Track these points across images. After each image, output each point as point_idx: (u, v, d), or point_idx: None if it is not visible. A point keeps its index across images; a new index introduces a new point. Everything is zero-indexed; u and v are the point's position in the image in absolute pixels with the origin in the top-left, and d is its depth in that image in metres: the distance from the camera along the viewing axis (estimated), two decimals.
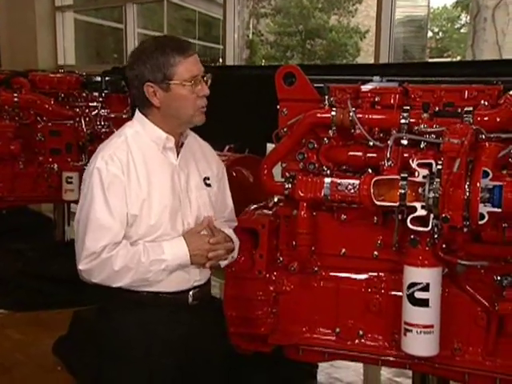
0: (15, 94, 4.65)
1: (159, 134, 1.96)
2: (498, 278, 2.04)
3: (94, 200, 1.87)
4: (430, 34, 19.97)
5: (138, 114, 2.01)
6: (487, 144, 1.92)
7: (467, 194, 1.85)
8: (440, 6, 20.22)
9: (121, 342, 1.95)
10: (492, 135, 1.96)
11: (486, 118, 1.98)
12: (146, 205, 1.90)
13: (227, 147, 3.64)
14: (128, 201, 1.88)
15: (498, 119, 1.98)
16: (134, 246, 1.89)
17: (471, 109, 2.01)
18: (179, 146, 2.02)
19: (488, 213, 1.85)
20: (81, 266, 1.88)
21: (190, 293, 1.99)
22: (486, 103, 2.04)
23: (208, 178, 2.08)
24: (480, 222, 1.86)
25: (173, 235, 1.94)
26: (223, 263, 2.06)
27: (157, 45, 1.92)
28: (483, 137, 1.94)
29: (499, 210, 1.85)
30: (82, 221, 1.89)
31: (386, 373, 3.63)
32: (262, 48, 19.68)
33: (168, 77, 1.88)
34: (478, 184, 1.84)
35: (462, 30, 18.23)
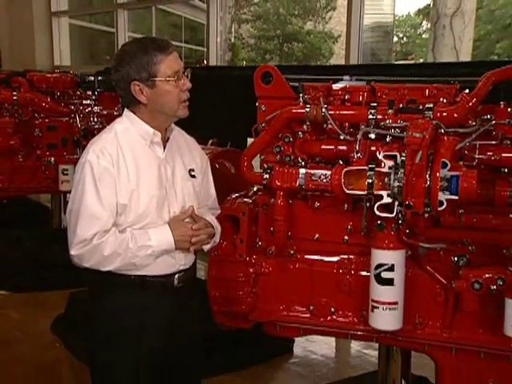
0: (14, 93, 4.63)
1: (147, 130, 1.93)
2: (455, 258, 2.06)
3: (86, 191, 1.83)
4: (395, 38, 20.12)
5: (126, 111, 1.97)
6: (446, 138, 1.92)
7: (428, 183, 1.86)
8: (404, 13, 20.37)
9: (112, 325, 1.92)
10: (450, 130, 1.96)
11: (444, 114, 1.99)
12: (135, 195, 1.87)
13: (211, 141, 3.62)
14: (117, 191, 1.84)
15: (456, 115, 1.99)
16: (122, 233, 1.86)
17: (432, 105, 2.01)
18: (165, 140, 1.99)
19: (446, 200, 1.85)
20: (73, 252, 1.85)
21: (176, 276, 1.96)
22: (445, 100, 2.04)
23: (193, 170, 2.05)
24: (439, 209, 1.87)
25: (159, 223, 1.91)
26: (206, 247, 2.04)
27: (138, 46, 1.88)
28: (442, 131, 1.95)
29: (456, 197, 1.86)
30: (75, 210, 1.86)
31: (355, 346, 3.66)
32: (243, 51, 19.62)
33: (152, 74, 1.85)
34: (438, 174, 1.85)
35: (423, 36, 18.37)
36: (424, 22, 17.93)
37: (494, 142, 1.98)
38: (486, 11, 13.46)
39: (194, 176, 2.05)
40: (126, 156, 1.88)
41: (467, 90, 2.02)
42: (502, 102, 1.99)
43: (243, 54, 19.38)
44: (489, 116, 1.99)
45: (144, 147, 1.93)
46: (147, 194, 1.89)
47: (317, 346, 3.62)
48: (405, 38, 20.38)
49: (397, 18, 19.94)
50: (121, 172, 1.86)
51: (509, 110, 1.97)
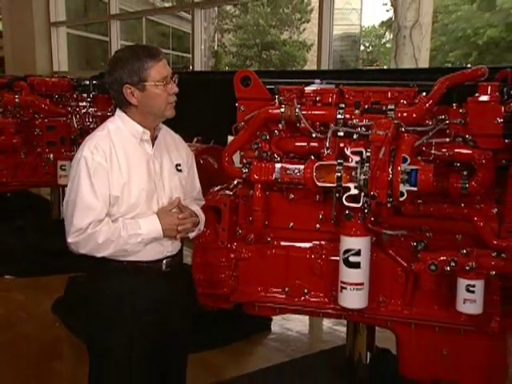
0: (16, 96, 4.59)
1: (137, 129, 1.90)
2: (414, 243, 2.08)
3: (81, 184, 1.80)
4: (362, 47, 20.24)
5: (118, 111, 1.93)
6: (406, 135, 1.93)
7: (390, 176, 1.86)
8: (370, 25, 20.50)
9: (108, 308, 1.89)
10: (410, 128, 1.97)
11: (405, 114, 1.99)
12: (126, 188, 1.84)
13: (195, 139, 3.59)
14: (110, 184, 1.81)
15: (415, 115, 1.99)
16: (114, 222, 1.83)
17: (393, 107, 2.01)
18: (154, 138, 1.96)
19: (407, 191, 1.86)
20: (70, 240, 1.82)
21: (164, 261, 1.94)
22: (405, 102, 2.05)
23: (179, 165, 2.02)
24: (400, 199, 1.87)
25: (149, 213, 1.88)
26: (192, 235, 2.02)
27: (131, 52, 1.85)
28: (403, 129, 1.95)
29: (415, 188, 1.87)
30: (71, 202, 1.82)
31: (326, 323, 3.68)
32: (225, 57, 19.55)
33: (143, 79, 1.82)
34: (399, 168, 1.85)
35: (387, 45, 18.50)
36: (387, 33, 18.06)
37: (447, 140, 1.99)
38: (440, 25, 13.64)
39: (180, 170, 2.02)
40: (118, 152, 1.85)
41: (424, 93, 2.02)
42: (454, 104, 2.01)
43: (225, 61, 19.30)
44: (443, 116, 2.00)
45: (134, 144, 1.90)
46: (138, 187, 1.86)
47: (292, 324, 3.63)
48: (370, 47, 20.52)
49: (363, 29, 20.06)
50: (113, 167, 1.83)
51: (460, 110, 1.98)
